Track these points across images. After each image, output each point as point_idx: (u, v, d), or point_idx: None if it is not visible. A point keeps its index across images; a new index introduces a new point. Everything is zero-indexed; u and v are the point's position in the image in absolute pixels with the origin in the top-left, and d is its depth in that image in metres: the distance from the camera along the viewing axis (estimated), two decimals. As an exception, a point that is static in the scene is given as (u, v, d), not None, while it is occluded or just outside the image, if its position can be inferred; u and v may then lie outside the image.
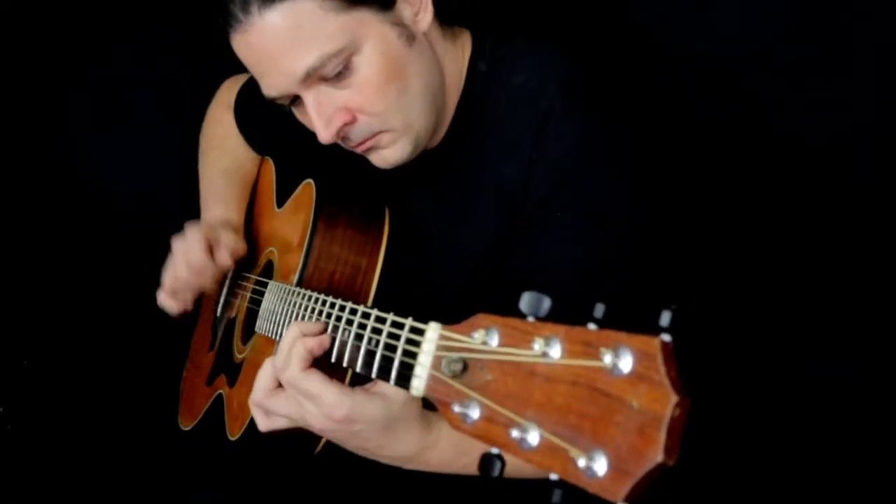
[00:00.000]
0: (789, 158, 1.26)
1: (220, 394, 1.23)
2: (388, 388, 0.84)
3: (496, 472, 0.62)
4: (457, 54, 1.08)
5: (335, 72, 0.94)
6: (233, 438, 1.12)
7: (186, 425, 1.38)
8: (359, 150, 1.02)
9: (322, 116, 0.97)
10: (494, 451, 0.62)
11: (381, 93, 0.96)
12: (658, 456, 0.51)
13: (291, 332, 0.88)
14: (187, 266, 1.19)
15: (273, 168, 1.37)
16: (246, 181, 1.42)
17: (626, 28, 1.35)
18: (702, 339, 0.96)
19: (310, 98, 0.97)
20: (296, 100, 1.00)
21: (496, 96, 1.06)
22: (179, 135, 1.55)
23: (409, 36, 0.98)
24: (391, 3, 0.97)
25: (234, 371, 1.20)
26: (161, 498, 1.43)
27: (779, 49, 1.22)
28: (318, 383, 0.85)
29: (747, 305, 1.31)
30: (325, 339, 0.87)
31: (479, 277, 1.07)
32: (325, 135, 0.98)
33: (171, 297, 1.23)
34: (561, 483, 0.58)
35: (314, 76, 0.94)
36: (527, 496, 0.97)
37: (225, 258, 1.22)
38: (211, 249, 1.21)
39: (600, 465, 0.53)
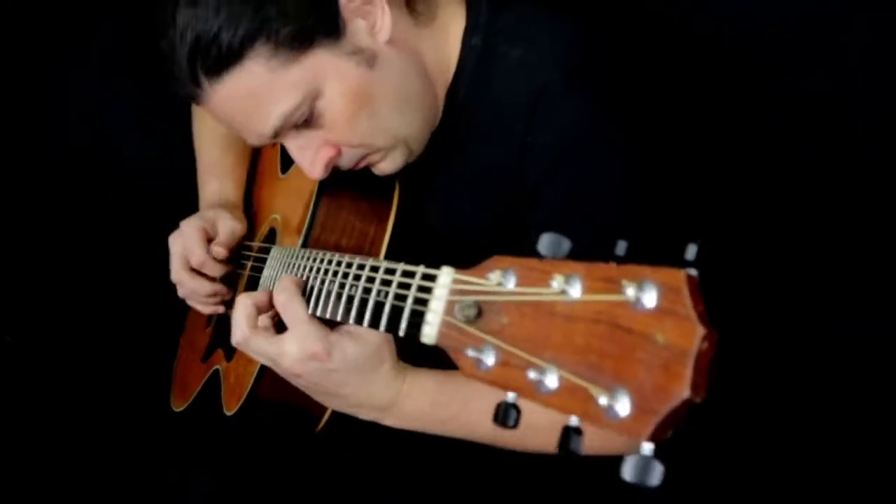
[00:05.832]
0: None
1: (217, 369, 1.20)
2: (362, 329, 0.84)
3: (511, 423, 0.60)
4: (440, 35, 1.02)
5: (302, 119, 0.92)
6: (229, 413, 1.09)
7: (179, 406, 1.35)
8: (354, 170, 1.01)
9: (306, 158, 0.97)
10: (510, 398, 0.59)
11: (352, 126, 0.94)
12: (685, 392, 0.48)
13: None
14: (186, 269, 1.17)
15: None
16: (243, 149, 1.38)
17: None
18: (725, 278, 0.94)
19: (289, 143, 0.96)
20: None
21: (491, 71, 1.01)
22: (165, 111, 1.51)
23: (370, 58, 0.92)
24: (340, 30, 0.89)
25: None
26: (151, 483, 1.39)
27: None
28: (292, 340, 0.86)
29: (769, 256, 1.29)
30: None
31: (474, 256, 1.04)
32: (314, 173, 0.97)
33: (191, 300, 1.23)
34: (575, 430, 0.56)
35: (283, 129, 0.93)
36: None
37: (218, 252, 1.17)
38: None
39: (622, 405, 0.51)
